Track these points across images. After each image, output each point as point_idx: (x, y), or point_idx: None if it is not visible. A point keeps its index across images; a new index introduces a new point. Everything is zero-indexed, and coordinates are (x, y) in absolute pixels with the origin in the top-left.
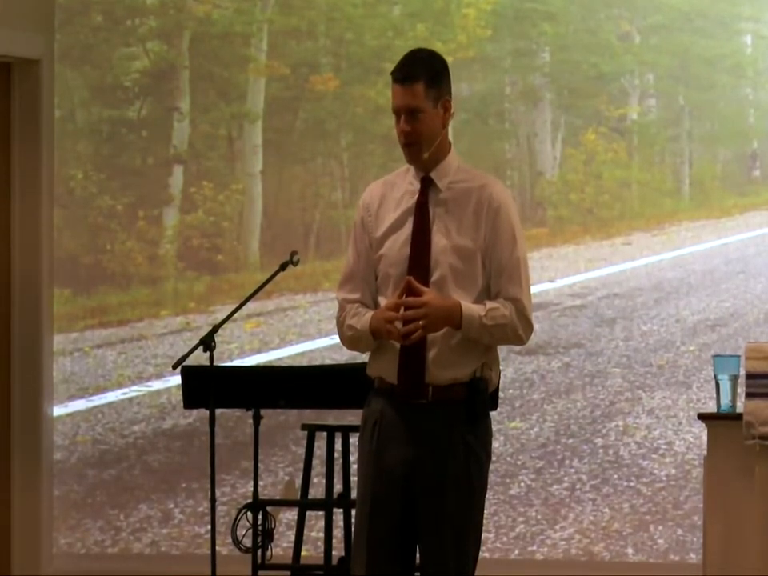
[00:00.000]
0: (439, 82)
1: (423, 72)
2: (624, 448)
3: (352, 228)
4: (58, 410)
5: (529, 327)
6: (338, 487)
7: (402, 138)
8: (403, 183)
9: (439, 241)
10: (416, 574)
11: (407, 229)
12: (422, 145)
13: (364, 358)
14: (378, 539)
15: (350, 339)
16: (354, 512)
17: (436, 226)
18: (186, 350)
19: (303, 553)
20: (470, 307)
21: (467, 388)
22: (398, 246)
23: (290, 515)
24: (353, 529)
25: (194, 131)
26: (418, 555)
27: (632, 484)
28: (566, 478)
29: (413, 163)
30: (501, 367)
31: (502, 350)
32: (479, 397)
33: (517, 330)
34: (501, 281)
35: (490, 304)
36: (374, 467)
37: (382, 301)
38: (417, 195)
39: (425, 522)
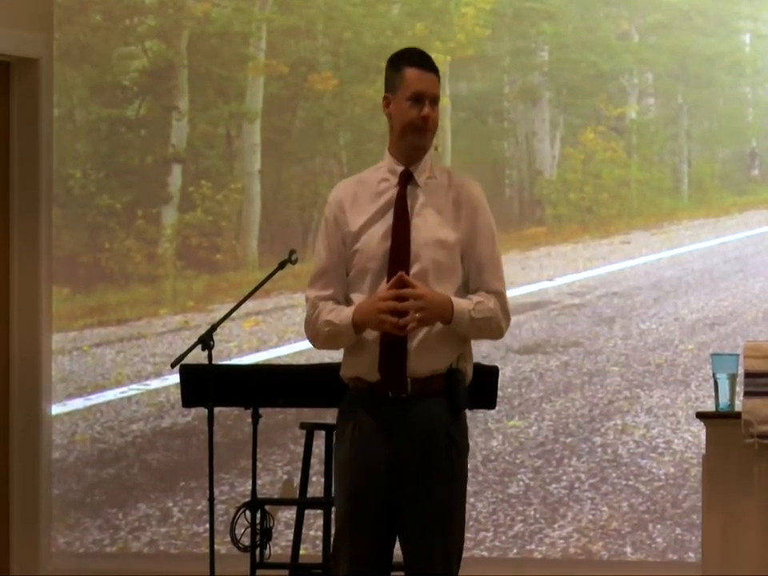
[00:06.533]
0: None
1: (437, 69)
2: (623, 447)
3: (321, 225)
4: (56, 409)
5: (508, 320)
6: None
7: (422, 122)
8: (375, 179)
9: (419, 234)
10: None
11: (386, 223)
12: (433, 132)
13: None
14: (362, 539)
15: (326, 335)
16: None
17: (415, 220)
18: (185, 349)
19: (302, 551)
20: (460, 302)
21: (446, 380)
22: (376, 240)
23: (288, 514)
24: (333, 530)
25: (192, 130)
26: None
27: (630, 483)
28: (564, 477)
29: (422, 151)
30: (500, 366)
31: (500, 349)
32: (458, 388)
33: (500, 324)
34: (483, 275)
35: (476, 298)
36: (357, 466)
37: (356, 297)
38: (394, 189)
39: (409, 512)
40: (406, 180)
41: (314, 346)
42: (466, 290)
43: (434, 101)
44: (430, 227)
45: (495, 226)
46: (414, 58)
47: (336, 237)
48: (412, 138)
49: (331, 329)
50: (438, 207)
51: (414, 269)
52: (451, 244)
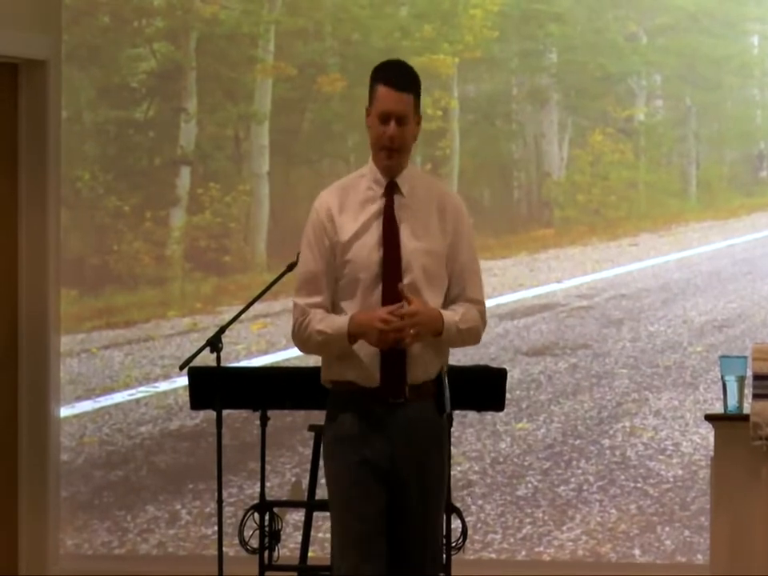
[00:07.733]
0: (419, 98)
1: (414, 86)
2: (631, 449)
3: (308, 232)
4: (64, 411)
5: (485, 326)
6: None
7: (387, 141)
8: (360, 189)
9: (408, 243)
10: None
11: (374, 233)
12: (401, 152)
13: None
14: (368, 539)
15: (318, 344)
16: None
17: (403, 230)
18: (193, 351)
19: (310, 554)
20: (448, 314)
21: (434, 385)
22: (366, 250)
23: (296, 516)
24: (333, 533)
25: (200, 132)
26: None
27: (639, 485)
28: (572, 479)
29: (389, 168)
30: (508, 368)
31: (509, 351)
32: (445, 393)
33: (480, 332)
34: (463, 283)
35: (460, 309)
36: (360, 469)
37: (347, 305)
38: (380, 200)
39: (408, 511)
40: (392, 191)
41: (301, 351)
42: (448, 296)
43: (401, 120)
44: (418, 236)
45: (474, 236)
46: (387, 75)
47: (324, 244)
48: (379, 156)
49: (324, 338)
50: (424, 216)
51: (407, 278)
52: (439, 252)
